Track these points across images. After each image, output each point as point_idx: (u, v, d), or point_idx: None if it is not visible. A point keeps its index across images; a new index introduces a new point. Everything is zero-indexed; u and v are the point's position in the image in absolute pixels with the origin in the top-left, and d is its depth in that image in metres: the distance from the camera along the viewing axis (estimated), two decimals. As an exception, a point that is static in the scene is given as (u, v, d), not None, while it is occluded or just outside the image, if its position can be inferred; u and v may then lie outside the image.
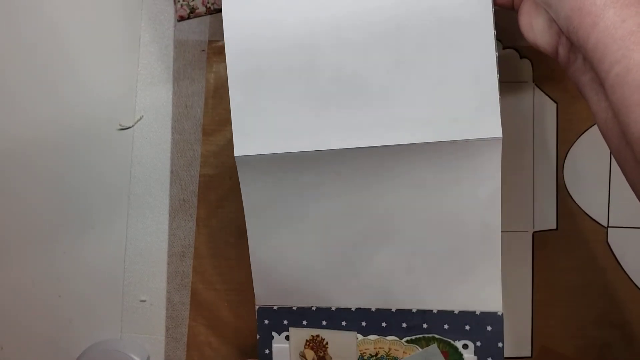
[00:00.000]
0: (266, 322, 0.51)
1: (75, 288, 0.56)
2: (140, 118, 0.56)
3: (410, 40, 0.44)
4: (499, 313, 0.47)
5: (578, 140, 0.55)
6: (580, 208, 0.55)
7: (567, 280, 0.55)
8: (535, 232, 0.55)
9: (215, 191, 0.55)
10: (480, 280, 0.46)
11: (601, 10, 0.37)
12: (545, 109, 0.55)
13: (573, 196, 0.55)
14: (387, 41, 0.44)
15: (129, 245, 0.56)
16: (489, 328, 0.48)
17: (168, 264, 0.56)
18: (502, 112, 0.44)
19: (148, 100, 0.56)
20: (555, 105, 0.55)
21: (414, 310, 0.48)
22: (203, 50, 0.55)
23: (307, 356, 0.50)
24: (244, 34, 0.45)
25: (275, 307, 0.50)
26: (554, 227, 0.55)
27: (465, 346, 0.48)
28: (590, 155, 0.55)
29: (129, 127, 0.56)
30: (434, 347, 0.49)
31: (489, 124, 0.44)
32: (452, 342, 0.48)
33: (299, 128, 0.45)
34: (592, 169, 0.55)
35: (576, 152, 0.55)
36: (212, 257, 0.55)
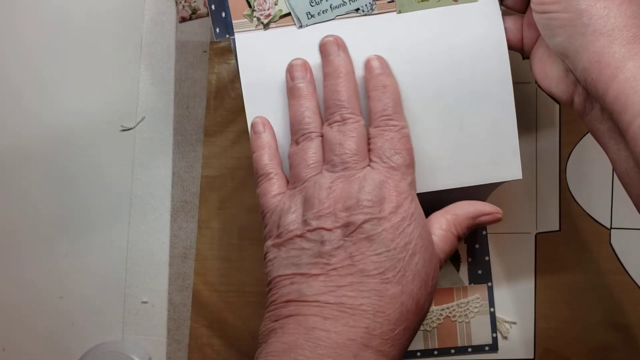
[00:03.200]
0: None
1: (77, 290, 0.56)
2: (142, 119, 0.56)
3: (428, 84, 0.45)
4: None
5: (581, 142, 0.55)
6: (583, 209, 0.55)
7: (570, 282, 0.55)
8: (538, 233, 0.55)
9: (217, 192, 0.55)
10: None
11: (621, 63, 0.37)
12: (547, 110, 0.55)
13: (576, 198, 0.55)
14: (405, 88, 0.45)
15: (130, 247, 0.56)
16: (477, 246, 0.54)
17: (169, 265, 0.56)
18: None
19: (150, 101, 0.56)
20: (557, 106, 0.55)
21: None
22: (205, 52, 0.55)
23: None
24: (262, 91, 0.45)
25: None
26: (557, 228, 0.55)
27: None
28: (593, 157, 0.54)
29: (130, 128, 0.56)
30: None
31: (509, 167, 0.45)
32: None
33: None
34: (594, 170, 0.55)
35: (579, 154, 0.55)
36: (214, 258, 0.55)
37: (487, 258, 0.55)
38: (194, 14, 0.55)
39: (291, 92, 0.44)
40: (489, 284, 0.55)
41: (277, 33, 0.45)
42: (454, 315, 0.55)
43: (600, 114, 0.41)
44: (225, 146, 0.55)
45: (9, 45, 0.56)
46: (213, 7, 0.45)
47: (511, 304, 0.55)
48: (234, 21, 0.45)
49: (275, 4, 0.45)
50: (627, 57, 0.37)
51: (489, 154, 0.45)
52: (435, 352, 0.55)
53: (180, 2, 0.55)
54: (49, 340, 0.56)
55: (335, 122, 0.42)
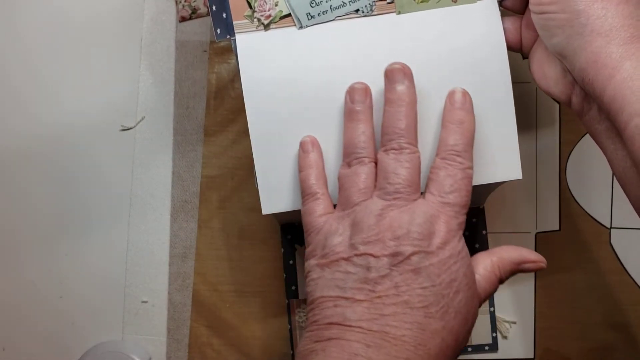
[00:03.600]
0: (289, 237, 0.53)
1: (77, 289, 0.56)
2: (142, 119, 0.56)
3: (428, 85, 0.44)
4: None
5: (580, 141, 0.55)
6: (583, 209, 0.55)
7: (570, 281, 0.55)
8: (537, 233, 0.55)
9: (217, 192, 0.55)
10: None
11: (618, 63, 0.37)
12: (547, 110, 0.55)
13: (576, 197, 0.55)
14: None
15: (130, 247, 0.56)
16: (473, 220, 0.54)
17: (169, 265, 0.56)
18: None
19: (150, 101, 0.56)
20: (557, 106, 0.55)
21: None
22: (205, 51, 0.55)
23: None
24: (263, 92, 0.45)
25: (296, 223, 0.53)
26: (557, 228, 0.55)
27: None
28: (593, 157, 0.54)
29: (130, 128, 0.56)
30: None
31: (509, 167, 0.45)
32: None
33: None
34: (594, 170, 0.55)
35: (579, 153, 0.55)
36: (214, 258, 0.55)
37: (487, 258, 0.55)
38: (193, 14, 0.55)
39: (349, 114, 0.44)
40: (489, 283, 0.55)
41: (277, 34, 0.45)
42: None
43: (598, 114, 0.41)
44: (225, 146, 0.55)
45: (9, 45, 0.56)
46: (214, 7, 0.45)
47: (511, 304, 0.55)
48: (234, 22, 0.45)
49: (276, 5, 0.45)
50: (624, 57, 0.37)
51: (489, 154, 0.45)
52: (436, 352, 0.55)
53: (180, 2, 0.55)
54: (49, 339, 0.56)
55: (392, 149, 0.42)
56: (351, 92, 0.44)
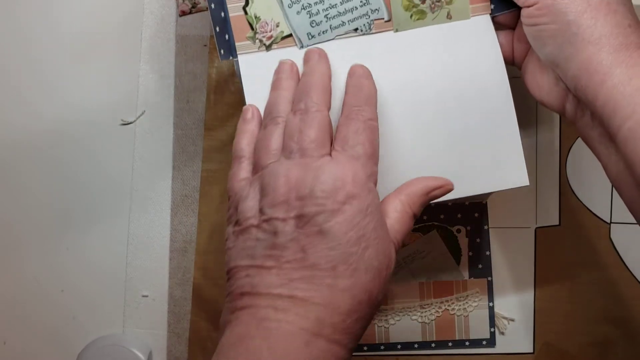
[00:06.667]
0: None
1: (78, 283, 0.56)
2: (142, 113, 0.56)
3: (429, 101, 0.45)
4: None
5: (581, 136, 0.55)
6: (583, 204, 0.55)
7: (569, 276, 0.55)
8: (537, 228, 0.55)
9: (217, 186, 0.56)
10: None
11: (608, 69, 0.39)
12: (548, 105, 0.55)
13: (576, 192, 0.55)
14: (406, 106, 0.45)
15: (131, 241, 0.56)
16: (476, 215, 0.55)
17: (170, 259, 0.56)
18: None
19: (150, 95, 0.56)
20: (558, 100, 0.55)
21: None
22: (205, 45, 0.55)
23: None
24: (264, 100, 0.45)
25: None
26: (557, 223, 0.55)
27: (458, 230, 0.55)
28: (594, 151, 0.54)
29: (131, 123, 0.56)
30: (434, 233, 0.55)
31: (515, 174, 0.46)
32: (447, 227, 0.55)
33: None
34: (594, 164, 0.54)
35: (579, 148, 0.55)
36: (214, 252, 0.55)
37: (487, 253, 0.55)
38: (194, 8, 0.55)
39: (273, 85, 0.45)
40: (489, 278, 0.55)
41: (279, 54, 0.46)
42: (453, 309, 0.55)
43: (591, 121, 0.42)
44: (225, 140, 0.55)
45: (10, 40, 0.56)
46: (217, 29, 0.46)
47: (511, 298, 0.56)
48: (237, 43, 0.46)
49: (277, 26, 0.45)
50: (615, 64, 0.39)
51: (494, 163, 0.46)
52: (433, 345, 0.56)
53: (180, -4, 0.55)
54: (50, 333, 0.57)
55: (299, 109, 0.42)
56: (278, 67, 0.45)
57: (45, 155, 0.56)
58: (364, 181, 0.40)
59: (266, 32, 0.46)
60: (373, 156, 0.41)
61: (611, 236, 0.55)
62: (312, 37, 0.46)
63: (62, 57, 0.56)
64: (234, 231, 0.41)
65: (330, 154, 0.41)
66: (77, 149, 0.56)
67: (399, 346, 0.56)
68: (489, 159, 0.45)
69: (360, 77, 0.44)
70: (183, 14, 0.55)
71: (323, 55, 0.45)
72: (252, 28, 0.46)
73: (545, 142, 0.55)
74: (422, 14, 0.46)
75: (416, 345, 0.56)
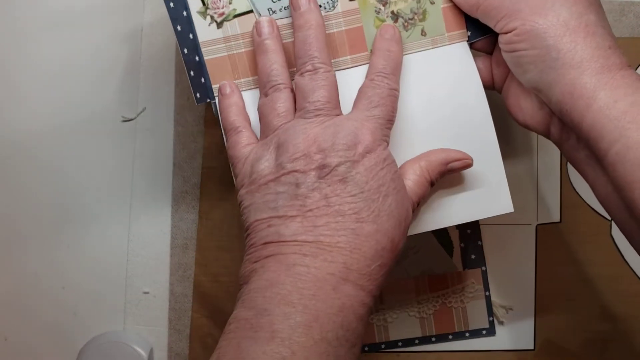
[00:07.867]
0: None
1: (78, 280, 0.56)
2: (143, 110, 0.56)
3: (411, 126, 0.45)
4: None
5: (582, 133, 0.55)
6: (584, 201, 0.55)
7: (570, 273, 0.55)
8: (538, 225, 0.55)
9: (218, 183, 0.55)
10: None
11: (593, 93, 0.39)
12: (549, 101, 0.55)
13: (577, 189, 0.55)
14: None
15: (131, 238, 0.56)
16: (468, 231, 0.55)
17: (171, 256, 0.56)
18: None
19: (150, 92, 0.56)
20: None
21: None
22: (205, 42, 0.55)
23: None
24: None
25: None
26: (558, 220, 0.55)
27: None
28: (595, 148, 0.54)
29: (131, 119, 0.56)
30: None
31: (499, 201, 0.46)
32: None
33: None
34: (596, 161, 0.55)
35: (580, 145, 0.55)
36: (215, 249, 0.55)
37: (479, 242, 0.55)
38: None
39: (259, 47, 0.45)
40: (483, 268, 0.55)
41: (255, 95, 0.46)
42: (450, 301, 0.55)
43: (577, 143, 0.42)
44: (226, 137, 0.55)
45: (9, 37, 0.56)
46: (192, 73, 0.46)
47: (512, 296, 0.56)
48: (193, 17, 0.45)
49: (230, 3, 0.45)
50: (598, 87, 0.39)
51: (477, 190, 0.46)
52: (433, 339, 0.56)
53: (181, -8, 0.55)
54: (51, 330, 0.57)
55: (307, 71, 0.43)
56: (257, 25, 0.45)
57: (46, 152, 0.56)
58: (381, 138, 0.41)
59: (218, 8, 0.45)
60: (389, 122, 0.43)
61: (612, 233, 0.55)
62: (273, 12, 0.45)
63: (62, 54, 0.56)
64: (248, 191, 0.42)
65: (352, 111, 0.43)
66: (78, 146, 0.56)
67: (399, 343, 0.56)
68: (473, 187, 0.46)
69: (390, 41, 0.45)
70: (183, 10, 0.55)
71: (312, 0, 0.44)
72: (203, 3, 0.45)
73: (546, 140, 0.55)
74: None
75: (417, 341, 0.56)
